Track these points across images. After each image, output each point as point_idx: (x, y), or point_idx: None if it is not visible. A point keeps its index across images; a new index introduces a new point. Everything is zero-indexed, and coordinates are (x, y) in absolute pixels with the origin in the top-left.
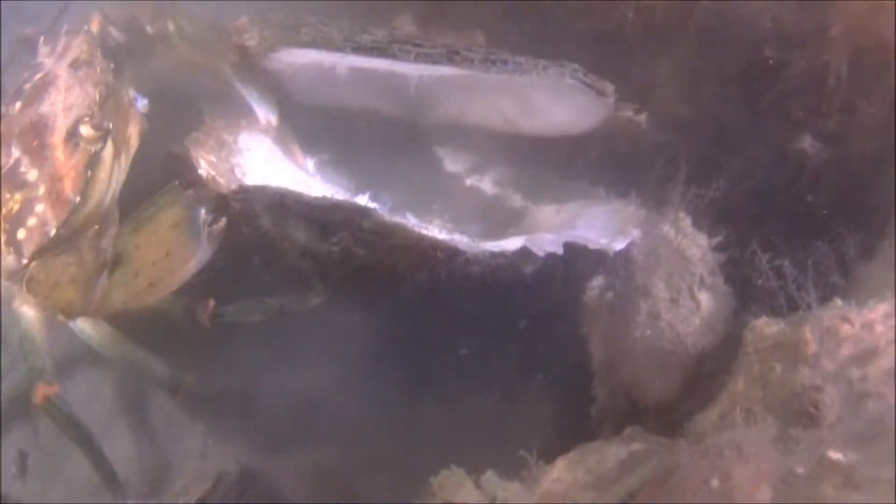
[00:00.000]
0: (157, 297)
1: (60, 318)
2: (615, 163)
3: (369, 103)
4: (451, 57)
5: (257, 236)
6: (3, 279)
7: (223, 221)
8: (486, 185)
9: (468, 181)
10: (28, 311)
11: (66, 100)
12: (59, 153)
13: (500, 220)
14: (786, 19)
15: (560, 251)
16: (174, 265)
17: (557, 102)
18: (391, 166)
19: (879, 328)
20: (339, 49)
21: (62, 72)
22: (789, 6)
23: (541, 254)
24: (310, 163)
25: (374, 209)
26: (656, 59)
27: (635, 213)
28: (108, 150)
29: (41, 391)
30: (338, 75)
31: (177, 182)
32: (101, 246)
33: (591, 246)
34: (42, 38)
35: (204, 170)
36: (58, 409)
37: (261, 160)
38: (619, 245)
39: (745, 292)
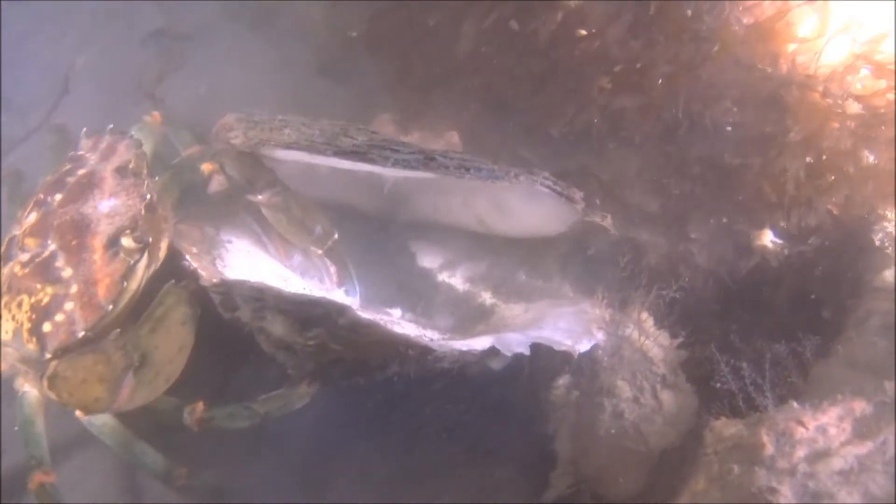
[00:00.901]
0: (166, 388)
1: (79, 414)
2: (583, 261)
3: (348, 199)
4: (427, 163)
5: (236, 328)
6: (15, 362)
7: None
8: (457, 281)
9: (440, 277)
10: (31, 395)
11: (111, 206)
12: (98, 258)
13: (470, 315)
14: (747, 123)
15: (527, 352)
16: (184, 358)
17: (529, 206)
18: (367, 261)
19: (832, 430)
20: (320, 152)
21: (108, 175)
22: (750, 111)
23: (508, 354)
24: (297, 258)
25: (349, 307)
26: (623, 158)
27: (600, 314)
28: (143, 262)
29: (38, 478)
30: (318, 173)
31: (173, 281)
32: (126, 347)
33: (557, 348)
34: (84, 130)
35: (187, 262)
36: (50, 496)
37: (243, 253)
38: (584, 347)
39: (706, 391)
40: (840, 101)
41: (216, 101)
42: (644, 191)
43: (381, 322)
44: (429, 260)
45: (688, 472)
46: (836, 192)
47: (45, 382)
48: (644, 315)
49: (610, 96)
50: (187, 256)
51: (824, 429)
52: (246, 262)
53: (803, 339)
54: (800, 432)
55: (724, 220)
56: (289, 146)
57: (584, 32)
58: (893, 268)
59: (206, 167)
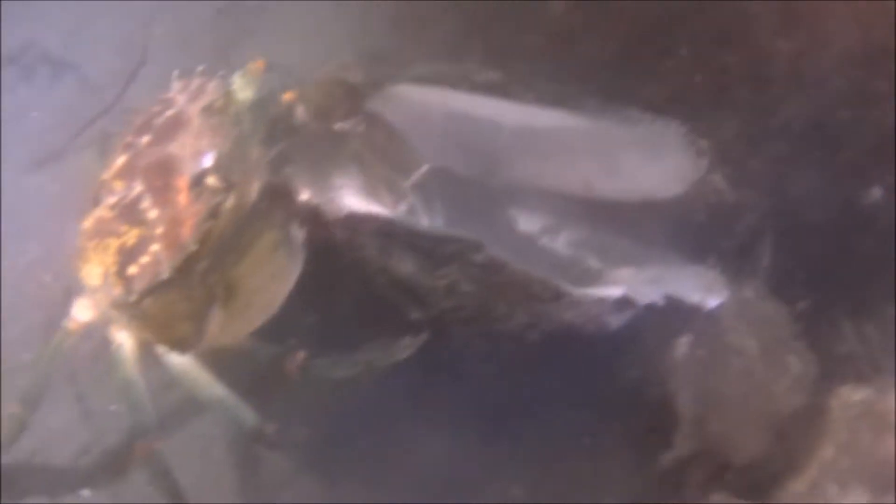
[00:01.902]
0: (262, 320)
1: (174, 352)
2: (690, 227)
3: (445, 160)
4: (564, 100)
5: (355, 270)
6: (109, 308)
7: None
8: (560, 245)
9: (542, 242)
10: (126, 348)
11: (196, 145)
12: (183, 198)
13: (578, 280)
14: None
15: (661, 302)
16: (278, 287)
17: (648, 163)
18: (462, 226)
19: None
20: (453, 85)
21: (194, 115)
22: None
23: (642, 302)
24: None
25: (485, 243)
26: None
27: (716, 277)
28: (230, 202)
29: (143, 448)
30: (429, 123)
31: (264, 204)
32: (210, 282)
33: (688, 300)
34: (176, 72)
35: (303, 199)
36: (157, 465)
37: (352, 196)
38: (714, 303)
39: (828, 356)
40: None
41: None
42: (747, 152)
43: (515, 262)
44: (528, 224)
45: (813, 440)
46: None
47: (134, 323)
48: (762, 279)
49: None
50: (303, 194)
51: None
52: (357, 205)
53: None
54: None
55: (833, 178)
56: (420, 80)
57: None
58: None
59: (286, 96)
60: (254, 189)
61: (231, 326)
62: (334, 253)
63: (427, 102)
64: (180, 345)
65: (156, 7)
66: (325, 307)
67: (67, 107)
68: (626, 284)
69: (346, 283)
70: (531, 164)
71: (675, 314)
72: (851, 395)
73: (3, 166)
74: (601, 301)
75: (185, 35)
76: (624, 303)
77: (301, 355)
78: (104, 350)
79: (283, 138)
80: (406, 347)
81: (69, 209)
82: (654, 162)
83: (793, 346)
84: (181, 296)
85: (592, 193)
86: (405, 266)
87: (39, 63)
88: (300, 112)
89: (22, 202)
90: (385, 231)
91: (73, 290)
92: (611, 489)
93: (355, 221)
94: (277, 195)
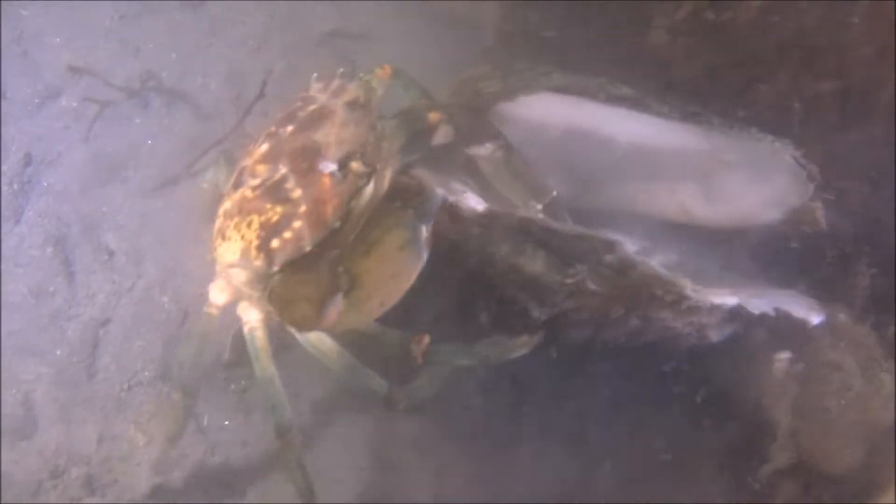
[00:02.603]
0: (381, 313)
1: (293, 329)
2: (782, 253)
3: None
4: (693, 116)
5: (485, 264)
6: (244, 284)
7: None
8: None
9: None
10: (258, 335)
11: (340, 133)
12: (327, 179)
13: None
14: None
15: (773, 313)
16: (400, 285)
17: (750, 187)
18: None
19: None
20: (591, 96)
21: (338, 108)
22: None
23: (755, 312)
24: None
25: (619, 242)
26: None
27: (811, 300)
28: (370, 187)
29: (282, 444)
30: (546, 137)
31: (398, 203)
32: (338, 270)
33: (795, 314)
34: (315, 75)
35: (439, 195)
36: (294, 456)
37: (473, 201)
38: (817, 320)
39: None
40: None
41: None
42: (854, 176)
43: (647, 263)
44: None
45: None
46: None
47: (266, 295)
48: (853, 304)
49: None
50: (440, 189)
51: None
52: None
53: None
54: None
55: None
56: (558, 89)
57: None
58: None
59: (433, 116)
60: (387, 180)
61: (351, 315)
62: (466, 247)
63: (553, 115)
64: (300, 324)
65: (262, 38)
66: (451, 298)
67: (182, 135)
68: (739, 295)
69: (475, 276)
70: (632, 187)
71: (771, 331)
72: None
73: (124, 192)
74: (716, 308)
75: (292, 64)
76: (737, 312)
77: (426, 339)
78: None
79: (422, 150)
80: (522, 345)
81: (184, 234)
82: (758, 184)
83: (885, 366)
84: (309, 279)
85: (688, 219)
86: (536, 264)
87: (154, 94)
88: (445, 132)
89: (140, 226)
90: (521, 228)
91: (189, 311)
92: (708, 497)
93: (492, 217)
94: (410, 194)
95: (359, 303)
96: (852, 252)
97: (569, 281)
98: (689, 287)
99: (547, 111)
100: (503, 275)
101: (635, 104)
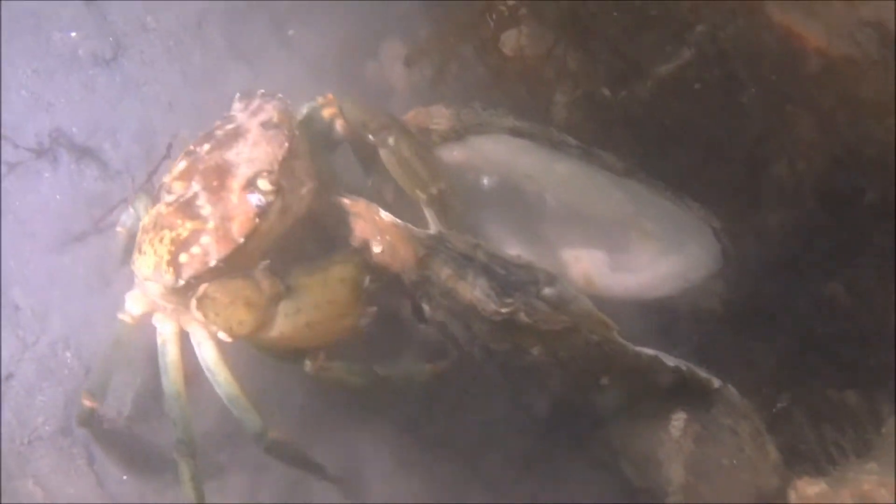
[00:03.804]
0: (307, 343)
1: (224, 336)
2: (682, 324)
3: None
4: (634, 173)
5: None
6: (158, 297)
7: (375, 309)
8: None
9: None
10: (170, 351)
11: (251, 152)
12: (235, 197)
13: None
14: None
15: (684, 368)
16: (332, 315)
17: (663, 256)
18: None
19: None
20: (542, 142)
21: (253, 128)
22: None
23: (670, 364)
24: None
25: (561, 277)
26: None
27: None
28: (278, 204)
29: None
30: (485, 182)
31: (352, 248)
32: (275, 277)
33: (700, 375)
34: (238, 94)
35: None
36: (190, 473)
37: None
38: (717, 384)
39: (792, 452)
40: None
41: None
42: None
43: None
44: None
45: None
46: None
47: (194, 303)
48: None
49: None
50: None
51: None
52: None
53: (875, 393)
54: (882, 494)
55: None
56: (514, 132)
57: None
58: None
59: (326, 112)
60: (305, 196)
61: (278, 323)
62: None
63: (497, 159)
64: (236, 330)
65: (174, 95)
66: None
67: (90, 192)
68: (657, 352)
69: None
70: (543, 245)
71: (669, 391)
72: (807, 489)
73: (32, 247)
74: (637, 355)
75: (204, 121)
76: (654, 362)
77: (321, 356)
78: None
79: (327, 151)
80: (425, 373)
81: (90, 289)
82: (668, 256)
83: (769, 438)
84: (248, 284)
85: (589, 287)
86: (475, 291)
87: (65, 150)
88: (339, 125)
89: (47, 282)
90: (467, 252)
91: (91, 367)
92: None
93: (442, 239)
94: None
95: (286, 312)
96: (745, 331)
97: (503, 311)
98: (616, 330)
99: (491, 156)
100: (438, 298)
101: (584, 154)
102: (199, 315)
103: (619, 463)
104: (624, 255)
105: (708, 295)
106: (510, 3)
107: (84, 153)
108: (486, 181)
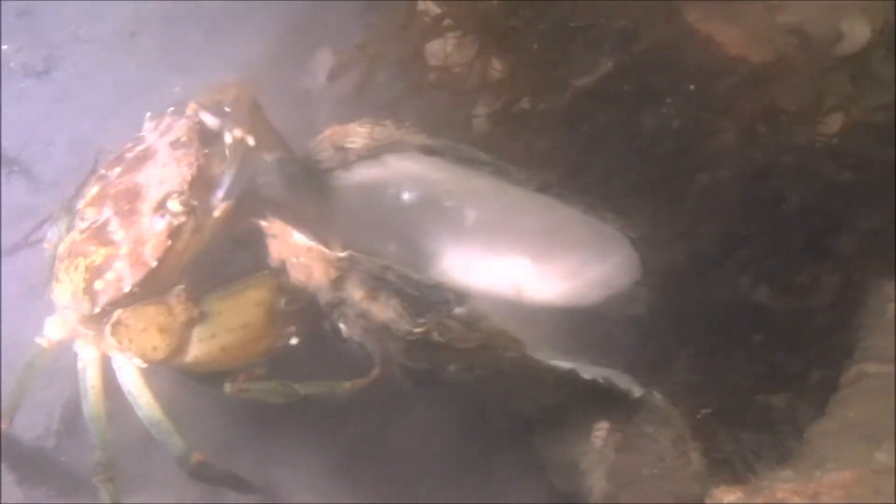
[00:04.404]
0: (223, 365)
1: (139, 362)
2: (601, 334)
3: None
4: (548, 188)
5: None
6: (77, 324)
7: (293, 329)
8: None
9: None
10: (90, 373)
11: (161, 174)
12: (147, 220)
13: None
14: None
15: (601, 381)
16: (248, 339)
17: (586, 265)
18: None
19: (825, 499)
20: (455, 159)
21: (162, 149)
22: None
23: (586, 377)
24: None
25: (471, 297)
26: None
27: (628, 377)
28: (190, 224)
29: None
30: (402, 200)
31: (267, 271)
32: (188, 303)
33: (619, 385)
34: (148, 114)
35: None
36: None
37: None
38: (638, 393)
39: (714, 457)
40: None
41: None
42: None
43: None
44: None
45: None
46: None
47: (108, 329)
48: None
49: None
50: (307, 239)
51: (818, 496)
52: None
53: (802, 396)
54: (795, 502)
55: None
56: (426, 150)
57: None
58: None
59: (190, 108)
60: (217, 213)
61: (193, 348)
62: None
63: (412, 177)
64: (150, 355)
65: (107, 107)
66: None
67: (21, 205)
68: (574, 362)
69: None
70: (469, 260)
71: (592, 401)
72: (724, 497)
73: None
74: (552, 370)
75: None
76: (571, 376)
77: (241, 378)
78: None
79: (237, 168)
80: (345, 390)
81: (20, 304)
82: (591, 265)
83: (693, 445)
84: (161, 310)
85: (518, 296)
86: (388, 312)
87: None
88: (249, 142)
89: None
90: (379, 274)
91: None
92: None
93: (354, 261)
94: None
95: (201, 337)
96: (671, 337)
97: (417, 330)
98: (528, 347)
99: (407, 173)
100: (354, 318)
101: (496, 170)
102: (113, 341)
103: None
104: (549, 264)
105: (633, 302)
106: (434, 13)
107: (15, 166)
108: (406, 196)
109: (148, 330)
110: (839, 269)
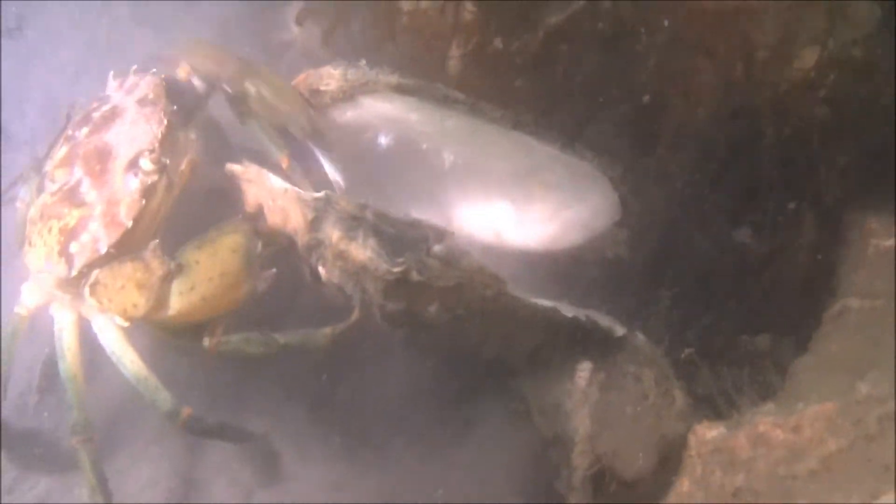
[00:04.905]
0: (205, 315)
1: (120, 321)
2: (583, 276)
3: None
4: (521, 125)
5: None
6: (53, 288)
7: (273, 271)
8: None
9: None
10: (67, 337)
11: (130, 132)
12: (119, 179)
13: None
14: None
15: (583, 318)
16: (227, 286)
17: (565, 207)
18: None
19: (807, 432)
20: (429, 99)
21: (130, 106)
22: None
23: (568, 315)
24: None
25: (451, 233)
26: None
27: (610, 318)
28: (163, 182)
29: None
30: (378, 144)
31: (241, 216)
32: (164, 256)
33: (602, 324)
34: (112, 73)
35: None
36: (89, 455)
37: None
38: (620, 332)
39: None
40: None
41: None
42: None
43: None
44: None
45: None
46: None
47: (86, 291)
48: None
49: None
50: (283, 181)
51: (800, 429)
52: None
53: (784, 333)
54: (777, 434)
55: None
56: (400, 90)
57: None
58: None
59: (181, 71)
60: (186, 169)
61: (174, 302)
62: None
63: (387, 119)
64: (130, 313)
65: (80, 64)
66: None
67: None
68: (554, 302)
69: (296, 265)
70: (448, 205)
71: (575, 341)
72: (707, 433)
73: None
74: (532, 306)
75: None
76: (551, 314)
77: (218, 331)
78: None
79: (193, 112)
80: (325, 337)
81: None
82: (569, 207)
83: (677, 384)
84: (138, 266)
85: (498, 241)
86: (366, 251)
87: None
88: (196, 82)
89: None
90: (355, 213)
91: None
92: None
93: (329, 200)
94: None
95: (180, 290)
96: (653, 278)
97: (395, 270)
98: (509, 285)
99: (382, 114)
100: (332, 260)
101: (471, 109)
102: (92, 302)
103: (530, 415)
104: (528, 207)
105: (613, 243)
106: None
107: None
108: (382, 140)
109: (126, 287)
110: (818, 205)
